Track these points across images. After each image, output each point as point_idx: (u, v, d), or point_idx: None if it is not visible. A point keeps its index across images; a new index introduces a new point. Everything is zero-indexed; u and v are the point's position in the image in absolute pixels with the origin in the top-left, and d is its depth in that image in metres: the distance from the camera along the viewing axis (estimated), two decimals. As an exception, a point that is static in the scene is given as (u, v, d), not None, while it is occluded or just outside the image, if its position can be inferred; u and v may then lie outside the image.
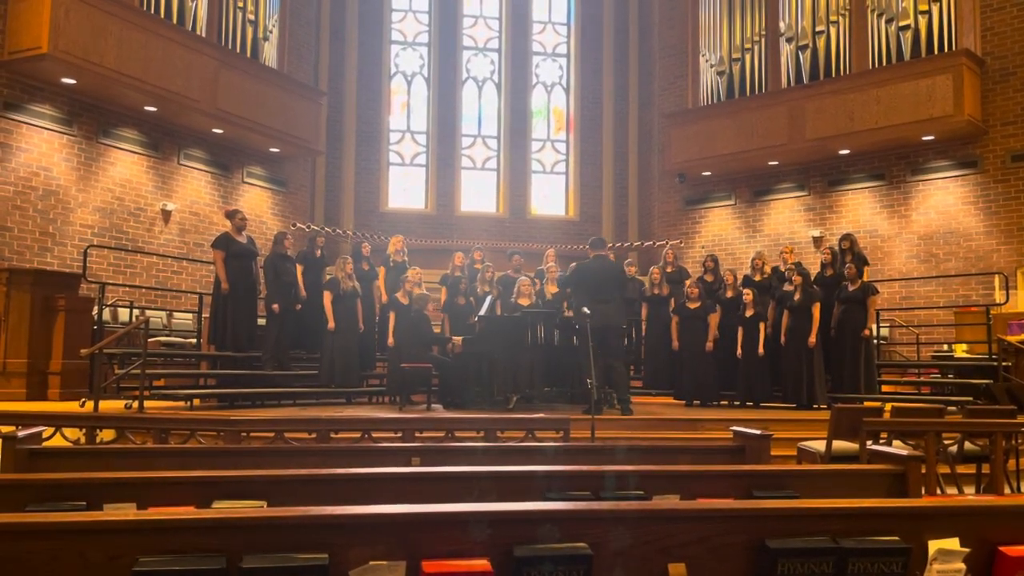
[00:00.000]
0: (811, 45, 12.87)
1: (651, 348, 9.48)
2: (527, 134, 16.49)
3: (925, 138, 11.97)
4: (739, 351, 8.71)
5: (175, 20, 11.29)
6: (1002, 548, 1.93)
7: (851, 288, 8.62)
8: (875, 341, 9.19)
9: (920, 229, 12.30)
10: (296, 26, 14.18)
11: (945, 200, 12.10)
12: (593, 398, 6.55)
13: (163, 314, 11.05)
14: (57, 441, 4.81)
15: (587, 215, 16.37)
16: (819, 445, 5.31)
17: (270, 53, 13.20)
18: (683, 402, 9.02)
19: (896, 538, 1.90)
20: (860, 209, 12.94)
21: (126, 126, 11.40)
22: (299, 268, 8.89)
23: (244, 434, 4.89)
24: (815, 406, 8.28)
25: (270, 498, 2.36)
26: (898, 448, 3.18)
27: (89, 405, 6.89)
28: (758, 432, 3.35)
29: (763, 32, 13.53)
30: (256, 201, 13.40)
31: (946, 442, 5.30)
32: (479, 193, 16.44)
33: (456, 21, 16.39)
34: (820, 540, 1.87)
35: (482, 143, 16.53)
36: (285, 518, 1.74)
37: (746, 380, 8.77)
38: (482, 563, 1.73)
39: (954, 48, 11.50)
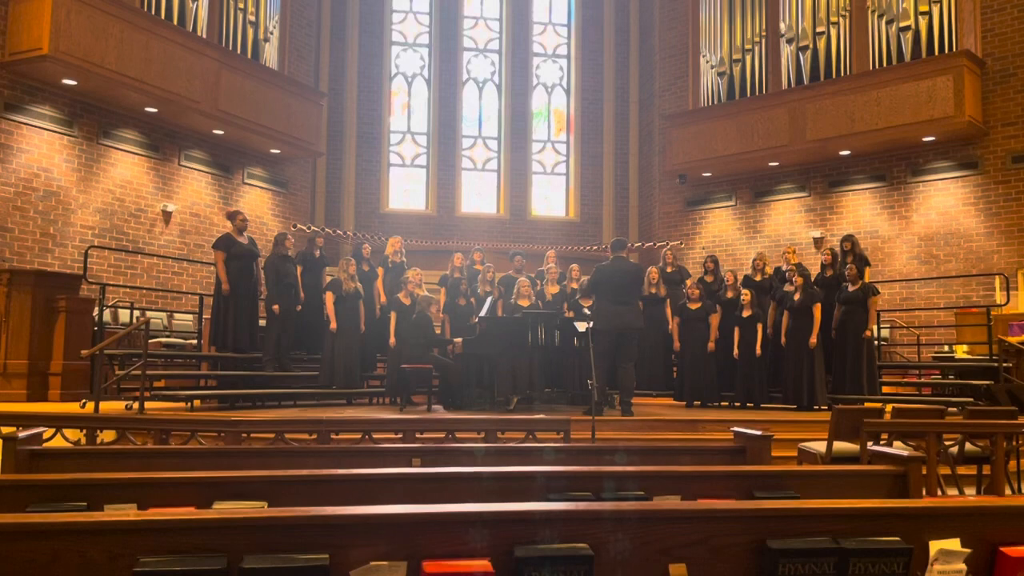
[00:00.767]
0: (811, 46, 12.88)
1: (652, 349, 9.46)
2: (528, 135, 16.49)
3: (926, 139, 11.96)
4: (735, 352, 8.71)
5: (176, 21, 11.30)
6: (1003, 549, 1.93)
7: (852, 289, 8.62)
8: (876, 342, 9.18)
9: (921, 230, 12.30)
10: (297, 27, 14.19)
11: (946, 201, 12.10)
12: (593, 399, 6.55)
13: (164, 315, 11.05)
14: (58, 442, 4.81)
15: (588, 216, 16.38)
16: (820, 446, 5.31)
17: (271, 54, 13.21)
18: (683, 403, 9.02)
19: (897, 539, 1.90)
20: (861, 210, 12.93)
21: (127, 127, 11.41)
22: (299, 269, 8.89)
23: (245, 435, 4.89)
24: (816, 407, 8.28)
25: (271, 499, 2.37)
26: (899, 449, 3.18)
27: (90, 406, 6.89)
28: (759, 433, 3.35)
29: (763, 33, 13.53)
30: (257, 202, 13.41)
31: (947, 443, 5.30)
32: (480, 194, 16.44)
33: (457, 22, 16.40)
34: (821, 541, 1.87)
35: (483, 144, 16.53)
36: (286, 519, 1.74)
37: (744, 381, 8.77)
38: (483, 564, 1.73)
39: (955, 49, 11.50)
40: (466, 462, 3.13)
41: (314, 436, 4.99)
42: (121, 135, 11.33)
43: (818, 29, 12.80)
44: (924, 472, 3.62)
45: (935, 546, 1.90)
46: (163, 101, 11.12)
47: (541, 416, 6.11)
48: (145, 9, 10.91)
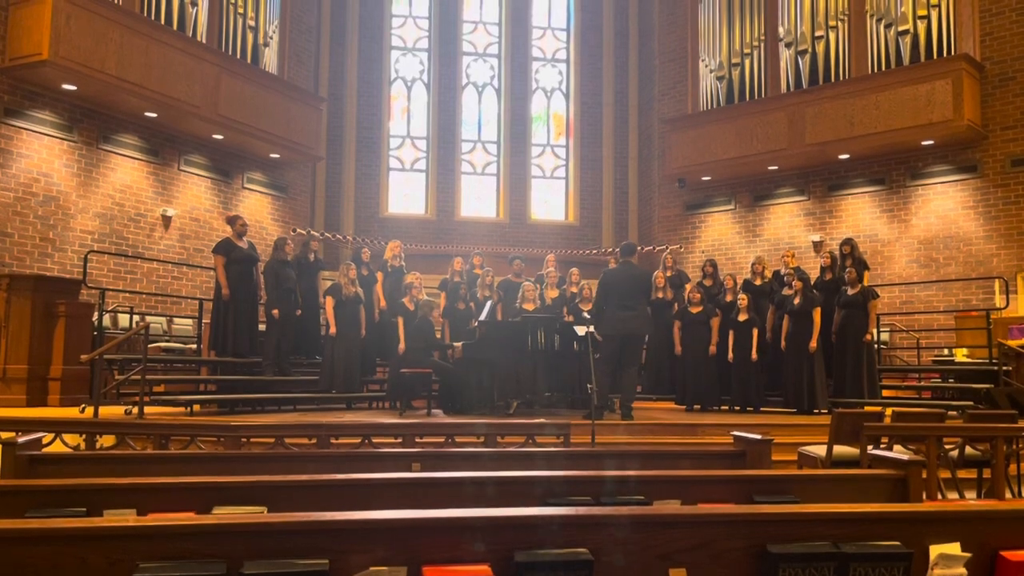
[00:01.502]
0: (810, 50, 12.89)
1: (653, 353, 9.47)
2: (527, 139, 16.51)
3: (925, 143, 11.97)
4: (730, 355, 8.71)
5: (176, 26, 11.32)
6: (1003, 553, 1.93)
7: (851, 293, 8.62)
8: (876, 346, 9.18)
9: (920, 234, 12.30)
10: (296, 32, 14.21)
11: (945, 205, 12.10)
12: (593, 403, 6.54)
13: (163, 320, 11.05)
14: (57, 447, 4.81)
15: (587, 220, 16.39)
16: (820, 450, 5.30)
17: (270, 59, 13.22)
18: (683, 407, 9.01)
19: (897, 543, 1.90)
20: (860, 214, 12.94)
21: (127, 132, 11.41)
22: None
23: (244, 440, 4.89)
24: (816, 411, 8.28)
25: (270, 504, 2.36)
26: (899, 453, 3.18)
27: (89, 411, 6.88)
28: (759, 437, 3.35)
29: (762, 37, 13.55)
30: (256, 207, 13.41)
31: (947, 447, 5.30)
32: (479, 198, 16.45)
33: (456, 27, 16.43)
34: (821, 545, 1.87)
35: (482, 148, 16.55)
36: (285, 524, 1.74)
37: (740, 386, 8.76)
38: (483, 568, 1.73)
39: (953, 53, 11.52)
40: (466, 467, 3.13)
41: (314, 441, 4.99)
42: (121, 140, 11.33)
43: (817, 33, 12.82)
44: (924, 476, 3.61)
45: (935, 550, 1.90)
46: (163, 106, 11.13)
47: (541, 420, 6.11)
48: (145, 14, 10.93)
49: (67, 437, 5.05)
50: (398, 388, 8.31)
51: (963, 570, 1.88)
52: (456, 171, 16.20)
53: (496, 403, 8.05)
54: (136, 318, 9.87)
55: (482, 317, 8.49)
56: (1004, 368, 8.60)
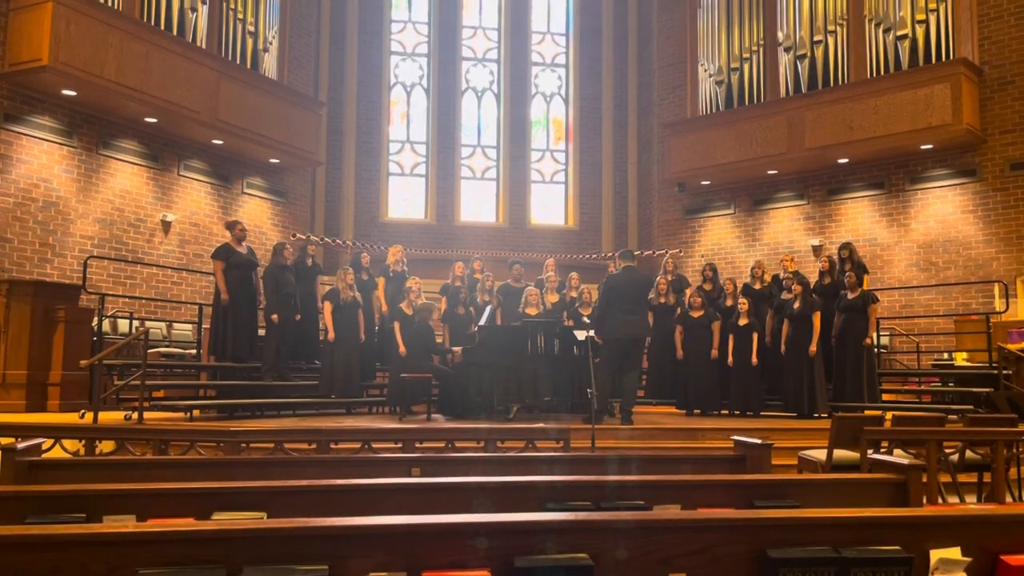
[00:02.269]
0: (809, 54, 12.91)
1: (655, 357, 9.47)
2: (526, 144, 16.53)
3: (924, 147, 11.99)
4: (730, 360, 8.71)
5: (175, 32, 11.34)
6: (1004, 557, 1.93)
7: (851, 297, 8.62)
8: (876, 350, 9.18)
9: (919, 238, 12.31)
10: (296, 37, 14.23)
11: (944, 209, 12.11)
12: (593, 407, 6.54)
13: (163, 325, 11.05)
14: (57, 453, 4.80)
15: (587, 225, 16.39)
16: (820, 454, 5.30)
17: (270, 64, 13.24)
18: (684, 412, 9.00)
19: (898, 547, 1.89)
20: (859, 218, 12.95)
21: (126, 137, 11.42)
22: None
23: (244, 445, 4.88)
24: (816, 415, 8.27)
25: (270, 509, 2.36)
26: (899, 457, 3.18)
27: (89, 416, 6.87)
28: (759, 441, 3.34)
29: (761, 42, 13.58)
30: (256, 212, 13.42)
31: (947, 451, 5.29)
32: (479, 203, 16.47)
33: (455, 32, 16.46)
34: (821, 550, 1.87)
35: (482, 153, 16.57)
36: (285, 529, 1.74)
37: (740, 390, 8.76)
38: (483, 574, 1.73)
39: (952, 57, 11.54)
40: (466, 471, 3.12)
41: (313, 446, 4.98)
42: (120, 145, 11.34)
43: (816, 38, 12.84)
44: (924, 480, 3.61)
45: (936, 555, 1.90)
46: (162, 111, 11.14)
47: (541, 425, 6.10)
48: (144, 20, 10.94)
49: (67, 442, 5.04)
50: (398, 393, 8.30)
51: (963, 574, 1.88)
52: (456, 176, 16.22)
53: (496, 408, 8.04)
54: (136, 323, 9.86)
55: (482, 322, 8.49)
56: (1004, 372, 8.59)
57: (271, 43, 13.28)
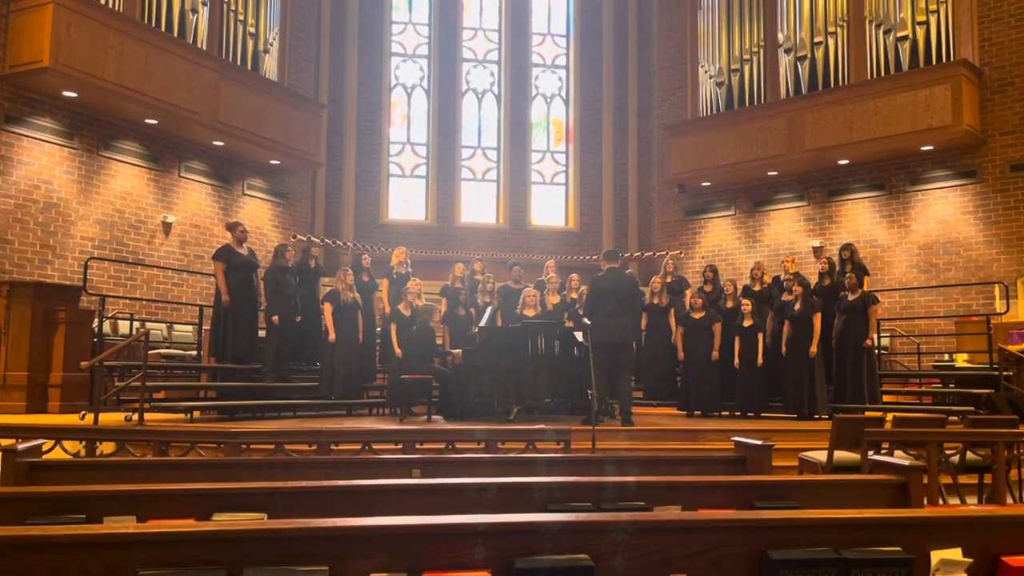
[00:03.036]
0: (810, 56, 12.92)
1: (651, 358, 9.46)
2: (527, 145, 16.53)
3: (924, 148, 11.99)
4: (736, 361, 8.71)
5: (176, 33, 11.35)
6: (1004, 558, 1.93)
7: (852, 298, 8.62)
8: (876, 351, 9.18)
9: (920, 239, 12.31)
10: (296, 39, 14.24)
11: (945, 210, 12.11)
12: (594, 409, 6.53)
13: (163, 326, 11.05)
14: (57, 454, 4.80)
15: (587, 226, 16.39)
16: (820, 455, 5.29)
17: (271, 65, 13.25)
18: (685, 413, 9.00)
19: (898, 548, 1.89)
20: (860, 219, 12.95)
21: (127, 139, 11.43)
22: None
23: (244, 446, 4.88)
24: (816, 416, 8.27)
25: (270, 510, 2.36)
26: (900, 458, 3.17)
27: (89, 418, 6.88)
28: (759, 443, 3.34)
29: (762, 43, 13.58)
30: (257, 213, 13.42)
31: (948, 452, 5.29)
32: (479, 204, 16.47)
33: (456, 33, 16.46)
34: (822, 551, 1.87)
35: (482, 154, 16.57)
36: (285, 530, 1.74)
37: (744, 391, 8.76)
38: (483, 575, 1.73)
39: (952, 59, 11.54)
40: (466, 473, 3.12)
41: (314, 447, 4.98)
42: (121, 147, 11.35)
43: (816, 39, 12.85)
44: (925, 481, 3.60)
45: (936, 556, 1.90)
46: (163, 113, 11.15)
47: (541, 426, 6.10)
48: (145, 21, 10.95)
49: (67, 444, 5.05)
50: (398, 394, 8.30)
51: (964, 575, 1.88)
52: (456, 177, 16.22)
53: (496, 409, 8.04)
54: (136, 324, 9.87)
55: (482, 323, 8.49)
56: (1005, 373, 8.60)
57: (271, 45, 13.29)
